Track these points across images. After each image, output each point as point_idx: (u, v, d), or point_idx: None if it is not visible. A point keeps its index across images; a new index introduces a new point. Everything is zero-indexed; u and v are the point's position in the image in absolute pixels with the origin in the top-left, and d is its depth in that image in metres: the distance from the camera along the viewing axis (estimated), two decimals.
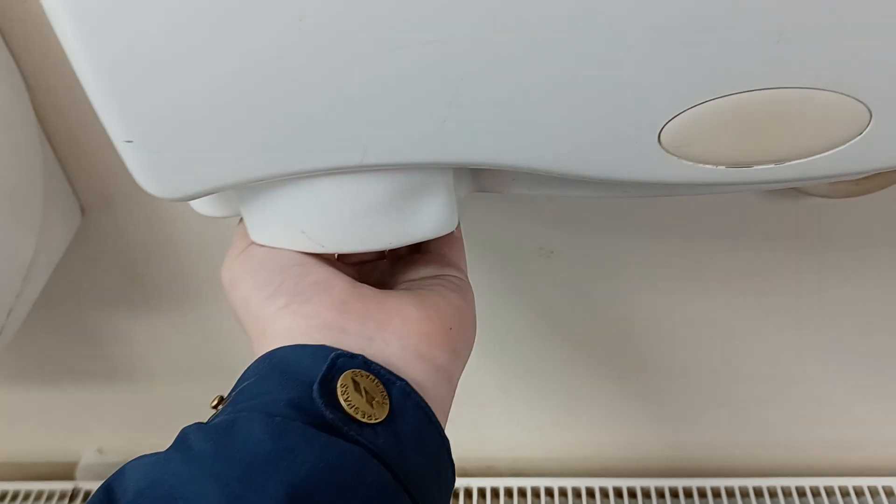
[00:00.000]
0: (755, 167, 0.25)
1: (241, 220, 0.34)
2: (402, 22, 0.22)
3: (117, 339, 0.60)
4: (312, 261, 0.30)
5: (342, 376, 0.25)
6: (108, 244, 0.52)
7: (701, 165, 0.25)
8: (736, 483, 0.65)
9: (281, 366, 0.26)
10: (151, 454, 0.23)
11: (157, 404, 0.65)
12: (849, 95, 0.23)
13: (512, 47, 0.22)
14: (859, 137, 0.24)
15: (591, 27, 0.22)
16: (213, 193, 0.28)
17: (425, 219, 0.29)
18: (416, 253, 0.35)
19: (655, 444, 0.67)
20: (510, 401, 0.63)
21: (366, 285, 0.30)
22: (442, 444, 0.28)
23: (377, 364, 0.27)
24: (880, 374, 0.60)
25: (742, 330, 0.57)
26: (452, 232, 0.34)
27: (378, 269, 0.35)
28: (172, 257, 0.52)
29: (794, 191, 0.46)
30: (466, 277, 0.34)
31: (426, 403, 0.27)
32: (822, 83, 0.23)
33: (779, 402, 0.63)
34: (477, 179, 0.32)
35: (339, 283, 0.29)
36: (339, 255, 0.33)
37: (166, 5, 0.22)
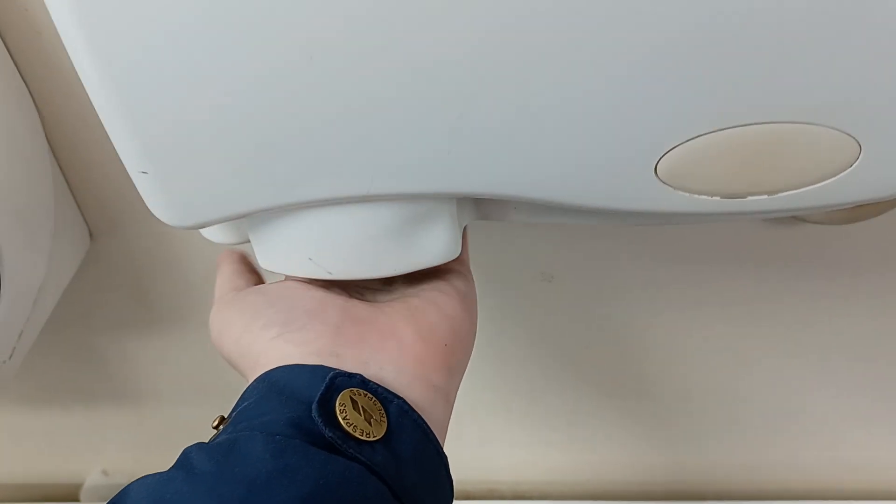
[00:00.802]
0: (749, 198, 0.25)
1: (219, 275, 0.35)
2: (406, 62, 0.23)
3: (124, 361, 0.60)
4: (300, 290, 0.31)
5: (340, 395, 0.25)
6: (115, 268, 0.53)
7: (696, 196, 0.26)
8: None
9: (279, 386, 0.26)
10: (154, 474, 0.24)
11: (162, 426, 0.65)
12: (839, 130, 0.24)
13: (513, 83, 0.23)
14: (849, 170, 0.24)
15: (591, 63, 0.23)
16: (224, 222, 0.29)
17: (429, 246, 0.30)
18: None
19: (657, 467, 0.67)
20: (512, 423, 0.64)
21: (359, 304, 0.30)
22: (440, 461, 0.28)
23: (374, 383, 0.27)
24: (882, 397, 0.60)
25: (743, 354, 0.57)
26: None
27: None
28: (179, 281, 0.53)
29: (792, 218, 0.46)
30: (467, 268, 0.34)
31: (423, 421, 0.27)
32: (814, 118, 0.23)
33: (780, 426, 0.63)
34: (479, 208, 0.33)
35: (332, 307, 0.29)
36: None
37: (182, 42, 0.23)
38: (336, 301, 0.30)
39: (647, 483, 0.68)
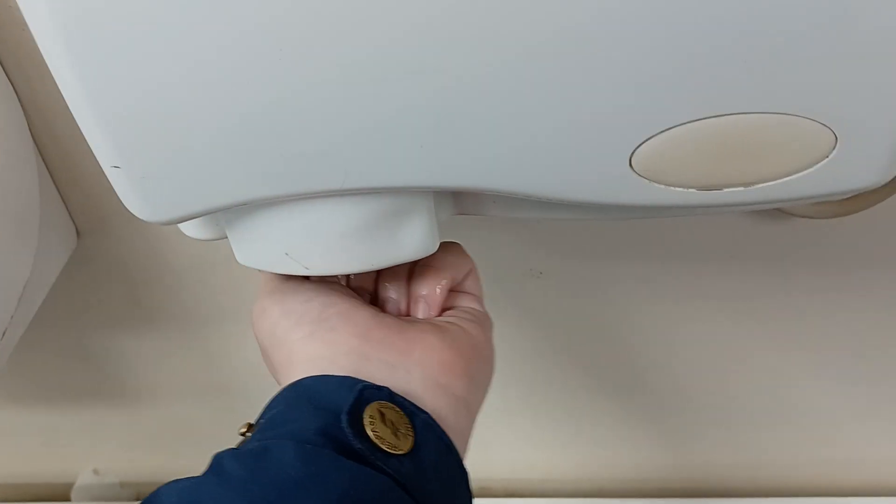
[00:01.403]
0: (726, 189, 0.25)
1: None
2: (380, 54, 0.23)
3: (113, 360, 0.60)
4: (336, 293, 0.31)
5: (369, 407, 0.26)
6: (103, 266, 0.53)
7: (673, 188, 0.25)
8: None
9: (308, 395, 0.27)
10: (186, 478, 0.24)
11: (153, 425, 0.65)
12: (815, 120, 0.23)
13: (487, 77, 0.23)
14: (826, 161, 0.24)
15: (564, 56, 0.22)
16: (199, 217, 0.29)
17: (406, 241, 0.30)
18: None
19: (652, 465, 0.67)
20: (504, 421, 0.64)
21: (388, 315, 0.31)
22: (461, 476, 0.28)
23: (401, 396, 0.27)
24: (877, 393, 0.60)
25: (737, 350, 0.57)
26: (469, 263, 0.35)
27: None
28: (167, 278, 0.53)
29: (782, 213, 0.46)
30: (483, 307, 0.35)
31: (447, 435, 0.28)
32: (788, 108, 0.23)
33: (777, 422, 0.62)
34: (458, 202, 0.33)
35: (363, 312, 0.30)
36: (355, 289, 0.34)
37: (152, 34, 0.23)
38: (367, 308, 0.31)
39: (641, 480, 0.68)
